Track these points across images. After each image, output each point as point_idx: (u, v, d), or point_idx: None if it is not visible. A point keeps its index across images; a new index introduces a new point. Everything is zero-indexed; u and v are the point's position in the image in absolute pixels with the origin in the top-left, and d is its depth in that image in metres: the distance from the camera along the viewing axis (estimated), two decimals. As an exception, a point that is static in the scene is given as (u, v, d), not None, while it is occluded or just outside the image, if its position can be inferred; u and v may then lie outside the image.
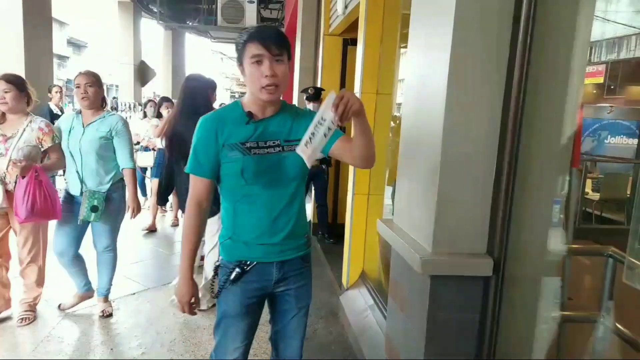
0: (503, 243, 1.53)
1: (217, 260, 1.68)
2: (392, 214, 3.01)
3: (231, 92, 37.06)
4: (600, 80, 9.11)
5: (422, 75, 1.77)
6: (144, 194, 6.46)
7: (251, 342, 1.73)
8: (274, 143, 1.54)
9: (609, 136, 6.99)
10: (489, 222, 1.57)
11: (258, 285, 1.63)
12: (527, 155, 1.51)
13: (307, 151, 1.35)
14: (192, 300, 1.64)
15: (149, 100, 6.69)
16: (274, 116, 1.56)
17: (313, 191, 5.19)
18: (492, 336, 1.58)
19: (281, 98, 1.59)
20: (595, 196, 5.55)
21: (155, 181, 5.09)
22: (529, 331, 1.66)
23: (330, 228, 5.14)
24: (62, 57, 33.05)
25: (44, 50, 6.79)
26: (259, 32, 1.49)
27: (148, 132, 5.73)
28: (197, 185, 1.58)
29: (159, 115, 5.78)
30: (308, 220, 5.54)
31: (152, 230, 5.40)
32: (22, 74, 6.24)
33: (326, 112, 1.31)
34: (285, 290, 1.68)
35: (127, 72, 12.45)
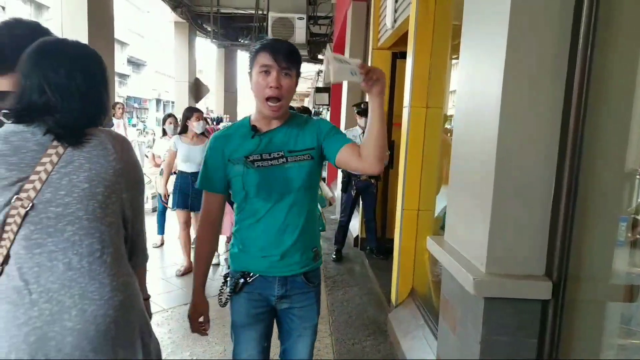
0: (563, 264, 1.45)
1: (227, 269, 1.72)
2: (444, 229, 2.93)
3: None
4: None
5: (475, 87, 1.72)
6: (161, 230, 5.28)
7: (266, 347, 1.73)
8: (277, 154, 1.56)
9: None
10: (547, 242, 1.49)
11: (261, 297, 1.64)
12: (589, 170, 1.43)
13: (335, 64, 1.34)
14: (201, 318, 1.67)
15: (169, 115, 5.52)
16: (279, 128, 1.59)
17: (361, 206, 5.15)
18: (551, 364, 1.49)
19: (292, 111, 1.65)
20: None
21: (181, 212, 4.35)
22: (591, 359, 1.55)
23: (379, 243, 5.07)
24: (122, 76, 34.90)
25: (108, 70, 7.19)
26: (272, 43, 1.52)
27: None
28: (208, 199, 1.64)
29: (182, 130, 4.45)
30: (356, 235, 5.52)
31: (189, 272, 4.28)
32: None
33: (354, 63, 1.36)
34: (289, 309, 1.67)
35: (182, 89, 12.94)
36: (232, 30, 13.18)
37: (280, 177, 1.55)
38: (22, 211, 1.10)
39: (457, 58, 2.65)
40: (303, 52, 12.13)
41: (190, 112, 4.47)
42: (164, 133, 5.52)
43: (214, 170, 1.59)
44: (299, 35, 11.01)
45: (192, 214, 4.42)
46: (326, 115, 13.07)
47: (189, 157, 4.28)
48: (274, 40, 1.54)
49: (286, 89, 1.50)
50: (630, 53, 1.44)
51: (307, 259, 1.65)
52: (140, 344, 1.26)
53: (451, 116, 3.32)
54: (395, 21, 4.03)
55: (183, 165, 4.33)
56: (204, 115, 7.11)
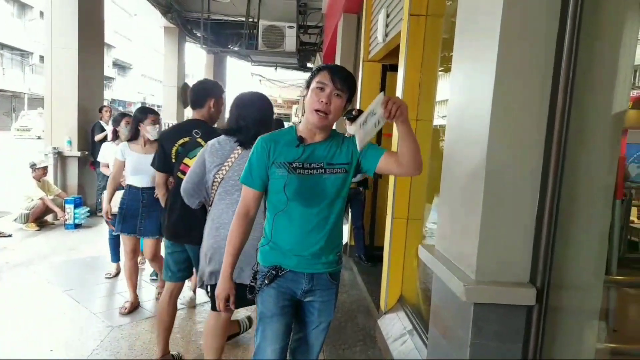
0: (546, 272, 1.55)
1: (255, 266, 1.87)
2: (431, 237, 3.03)
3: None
4: (648, 103, 8.84)
5: (466, 101, 1.82)
6: (115, 257, 4.44)
7: (287, 344, 1.88)
8: (317, 165, 1.74)
9: (658, 163, 6.77)
10: (532, 252, 1.59)
11: (289, 290, 1.81)
12: (571, 184, 1.54)
13: (360, 133, 1.56)
14: (230, 299, 1.82)
15: (123, 115, 4.43)
16: (321, 142, 1.77)
17: (350, 213, 5.25)
18: (535, 365, 1.59)
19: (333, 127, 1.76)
20: (640, 224, 5.36)
21: (127, 239, 3.57)
22: (573, 362, 1.65)
23: (367, 250, 5.17)
24: (108, 78, 34.67)
25: (96, 76, 7.26)
26: (334, 67, 1.72)
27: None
28: (247, 195, 1.80)
29: (133, 136, 3.57)
30: (345, 242, 5.61)
31: (135, 309, 3.70)
32: (76, 96, 6.70)
33: (377, 107, 1.51)
34: (312, 302, 1.85)
35: (171, 94, 12.95)
36: (222, 36, 13.25)
37: (317, 186, 1.73)
38: (219, 179, 2.29)
39: (445, 70, 2.76)
40: (292, 61, 12.24)
41: (144, 113, 3.50)
42: (115, 136, 4.51)
43: (259, 169, 1.75)
44: (289, 43, 11.12)
45: (143, 240, 3.64)
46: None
47: (138, 168, 3.46)
48: (337, 66, 1.73)
49: (334, 107, 1.68)
50: (610, 73, 1.56)
51: (332, 261, 1.82)
52: None
53: (441, 127, 3.44)
54: (386, 35, 4.15)
55: (132, 179, 3.54)
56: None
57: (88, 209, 6.53)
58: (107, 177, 4.12)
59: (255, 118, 2.27)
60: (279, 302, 1.80)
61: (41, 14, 30.18)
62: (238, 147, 2.27)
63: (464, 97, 1.84)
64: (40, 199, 6.06)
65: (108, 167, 4.57)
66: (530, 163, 1.57)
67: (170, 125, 4.03)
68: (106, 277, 4.39)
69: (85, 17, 6.72)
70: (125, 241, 3.62)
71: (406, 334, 3.05)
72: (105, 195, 3.70)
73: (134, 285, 3.71)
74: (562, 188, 1.53)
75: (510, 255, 1.60)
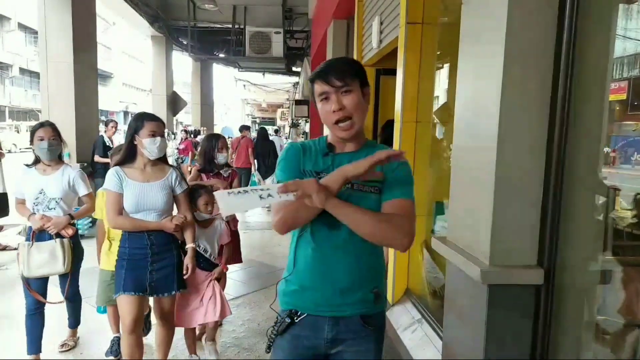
0: (552, 255, 1.76)
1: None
2: (434, 232, 3.24)
3: (252, 117, 37.90)
4: (624, 96, 9.20)
5: (474, 97, 1.97)
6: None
7: None
8: None
9: (635, 153, 7.09)
10: (538, 237, 1.80)
11: (308, 342, 1.47)
12: (572, 174, 1.74)
13: (224, 199, 1.28)
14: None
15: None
16: (353, 152, 1.51)
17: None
18: (544, 338, 1.80)
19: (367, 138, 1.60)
20: (626, 213, 5.65)
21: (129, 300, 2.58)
22: (578, 335, 1.86)
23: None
24: (90, 88, 34.34)
25: (91, 86, 7.38)
26: (321, 68, 1.47)
27: None
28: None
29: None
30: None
31: None
32: (73, 108, 6.81)
33: (274, 188, 1.27)
34: (340, 352, 1.49)
35: (159, 103, 13.02)
36: (208, 43, 13.38)
37: None
38: None
39: (441, 67, 2.91)
40: (280, 65, 12.43)
41: (140, 120, 2.56)
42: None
43: (295, 170, 1.49)
44: (276, 48, 11.33)
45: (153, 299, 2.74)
46: (305, 126, 13.35)
47: (141, 203, 2.54)
48: (323, 64, 1.50)
49: (351, 106, 1.42)
50: (601, 75, 1.77)
51: (366, 300, 1.47)
52: None
53: (440, 125, 3.66)
54: (380, 42, 4.36)
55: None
56: (184, 128, 7.08)
57: (90, 219, 6.61)
58: None
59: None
60: (294, 355, 1.48)
61: (19, 25, 29.84)
62: None
63: (472, 93, 1.99)
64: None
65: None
66: (535, 159, 1.76)
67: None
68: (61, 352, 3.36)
69: (78, 29, 6.83)
70: (124, 305, 2.55)
71: (415, 322, 3.25)
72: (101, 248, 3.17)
73: None
74: (564, 179, 1.73)
75: (520, 241, 1.80)
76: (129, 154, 2.57)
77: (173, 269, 2.65)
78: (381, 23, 4.30)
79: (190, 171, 11.43)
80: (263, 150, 9.65)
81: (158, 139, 2.53)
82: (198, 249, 2.98)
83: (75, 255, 3.18)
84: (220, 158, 3.65)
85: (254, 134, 11.08)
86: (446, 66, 3.60)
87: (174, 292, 2.68)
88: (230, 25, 11.66)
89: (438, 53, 3.48)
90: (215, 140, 3.66)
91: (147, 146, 2.51)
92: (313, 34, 10.25)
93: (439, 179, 3.47)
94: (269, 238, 6.90)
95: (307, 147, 1.55)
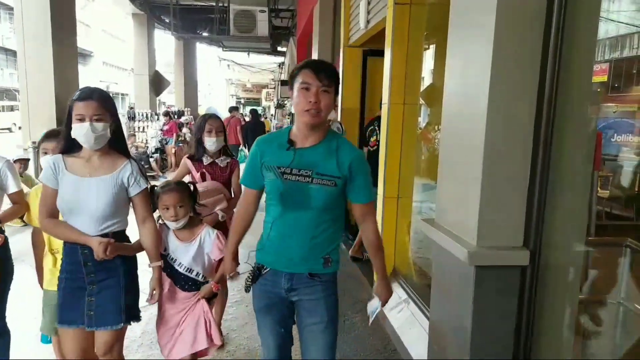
0: (538, 237, 1.80)
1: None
2: (420, 214, 3.28)
3: (237, 98, 37.50)
4: (605, 78, 9.30)
5: (463, 80, 1.98)
6: None
7: (286, 332, 1.93)
8: (306, 173, 1.74)
9: (615, 134, 7.20)
10: (524, 219, 1.83)
11: (271, 288, 1.87)
12: (558, 158, 1.76)
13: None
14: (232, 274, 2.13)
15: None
16: (314, 146, 1.76)
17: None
18: (529, 317, 1.85)
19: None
20: (605, 194, 5.76)
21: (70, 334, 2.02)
22: (562, 313, 1.92)
23: (353, 228, 5.40)
24: (69, 67, 33.45)
25: (71, 66, 7.22)
26: (314, 63, 1.74)
27: None
28: (245, 193, 1.95)
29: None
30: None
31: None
32: (53, 88, 6.65)
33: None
34: (298, 301, 1.88)
35: (142, 83, 12.77)
36: (191, 22, 13.10)
37: (301, 193, 1.74)
38: None
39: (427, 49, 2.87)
40: (265, 45, 12.26)
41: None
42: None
43: (252, 169, 1.85)
44: (261, 28, 11.14)
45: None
46: (291, 107, 13.26)
47: (74, 203, 1.97)
48: (316, 61, 1.77)
49: (324, 104, 1.68)
50: (586, 71, 1.79)
51: (315, 264, 1.84)
52: None
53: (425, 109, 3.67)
54: (368, 22, 4.32)
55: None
56: (167, 110, 6.71)
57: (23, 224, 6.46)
58: None
59: None
60: (263, 299, 1.90)
61: (-6, 2, 28.75)
62: None
63: (461, 73, 2.00)
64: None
65: None
66: (522, 144, 1.78)
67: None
68: None
69: (56, 6, 6.62)
70: (64, 341, 2.08)
71: (402, 302, 3.31)
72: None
73: None
74: (550, 164, 1.76)
75: (506, 223, 1.83)
76: (68, 140, 1.96)
77: (119, 293, 2.02)
78: (369, 3, 4.26)
79: (175, 153, 11.24)
80: (256, 129, 10.64)
81: (86, 124, 1.87)
82: (180, 268, 2.31)
83: (3, 272, 2.34)
84: (209, 143, 2.86)
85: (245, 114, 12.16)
86: (434, 47, 3.59)
87: (119, 326, 2.02)
88: (213, 3, 11.41)
89: (425, 34, 3.47)
90: (203, 121, 2.89)
91: (74, 134, 1.92)
92: (299, 12, 10.11)
93: (426, 161, 3.50)
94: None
95: (270, 141, 1.83)
